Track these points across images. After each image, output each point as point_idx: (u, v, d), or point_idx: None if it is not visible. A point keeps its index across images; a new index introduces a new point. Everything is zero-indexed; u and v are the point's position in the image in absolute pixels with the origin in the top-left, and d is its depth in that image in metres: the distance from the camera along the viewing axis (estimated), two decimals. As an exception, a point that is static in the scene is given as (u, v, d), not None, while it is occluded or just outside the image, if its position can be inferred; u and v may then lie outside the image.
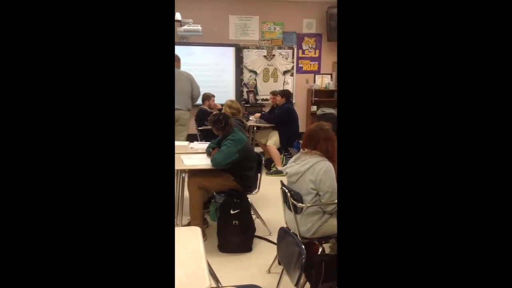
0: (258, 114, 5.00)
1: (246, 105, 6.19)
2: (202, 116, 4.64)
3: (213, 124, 2.82)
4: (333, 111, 4.90)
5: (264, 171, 4.80)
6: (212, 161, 2.70)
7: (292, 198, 2.09)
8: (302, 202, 2.08)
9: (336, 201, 2.07)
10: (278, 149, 4.71)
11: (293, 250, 1.48)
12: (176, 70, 3.90)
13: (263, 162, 3.00)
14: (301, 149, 2.26)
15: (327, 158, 2.12)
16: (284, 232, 1.56)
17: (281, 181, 2.28)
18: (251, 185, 2.90)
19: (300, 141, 2.31)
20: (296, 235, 2.08)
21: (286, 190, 2.15)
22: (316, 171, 2.05)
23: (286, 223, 2.31)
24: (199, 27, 5.19)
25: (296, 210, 2.11)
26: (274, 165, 4.72)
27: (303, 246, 1.41)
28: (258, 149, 5.49)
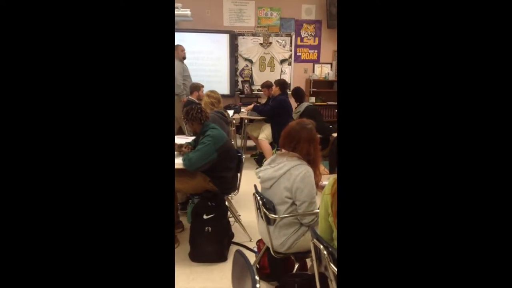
0: (250, 106, 4.68)
1: (241, 95, 5.89)
2: (190, 108, 4.36)
3: (186, 115, 2.52)
4: (307, 104, 4.24)
5: (255, 166, 4.55)
6: (184, 160, 2.41)
7: (264, 207, 1.81)
8: (275, 212, 1.80)
9: (315, 211, 1.78)
10: (271, 144, 4.41)
11: (245, 275, 1.21)
12: None
13: (243, 160, 2.72)
14: (278, 150, 1.97)
15: (307, 162, 1.83)
16: (238, 254, 1.29)
17: (255, 186, 2.00)
18: (230, 186, 2.63)
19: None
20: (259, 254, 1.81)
21: (258, 198, 1.86)
22: (292, 177, 1.76)
23: (260, 234, 2.03)
24: (188, 12, 4.87)
25: (269, 221, 1.83)
26: (266, 160, 4.43)
27: (256, 277, 1.13)
28: (250, 142, 5.22)
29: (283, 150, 1.90)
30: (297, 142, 1.85)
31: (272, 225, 1.83)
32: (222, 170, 2.53)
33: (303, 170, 1.76)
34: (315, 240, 1.44)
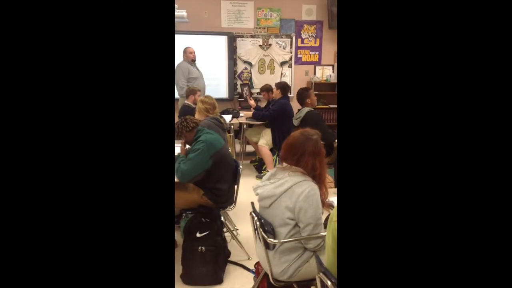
0: (249, 113, 4.47)
1: (240, 99, 5.68)
2: (185, 112, 4.15)
3: (182, 126, 2.32)
4: (308, 109, 3.78)
5: (254, 174, 4.34)
6: (177, 172, 2.20)
7: (262, 230, 1.60)
8: (275, 235, 1.59)
9: (321, 234, 1.57)
10: (271, 150, 4.20)
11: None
12: None
13: (240, 170, 2.50)
14: (279, 163, 1.76)
15: (312, 178, 1.61)
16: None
17: (252, 203, 1.78)
18: (226, 200, 2.41)
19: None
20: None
21: (256, 218, 1.65)
22: (295, 195, 1.55)
23: (258, 258, 1.82)
24: (184, 13, 4.68)
25: (268, 246, 1.61)
26: (266, 167, 4.22)
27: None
28: (249, 148, 5.01)
29: (285, 164, 1.69)
30: (301, 155, 1.63)
31: (272, 250, 1.61)
32: (217, 180, 2.31)
33: (307, 187, 1.55)
34: (321, 274, 1.22)
